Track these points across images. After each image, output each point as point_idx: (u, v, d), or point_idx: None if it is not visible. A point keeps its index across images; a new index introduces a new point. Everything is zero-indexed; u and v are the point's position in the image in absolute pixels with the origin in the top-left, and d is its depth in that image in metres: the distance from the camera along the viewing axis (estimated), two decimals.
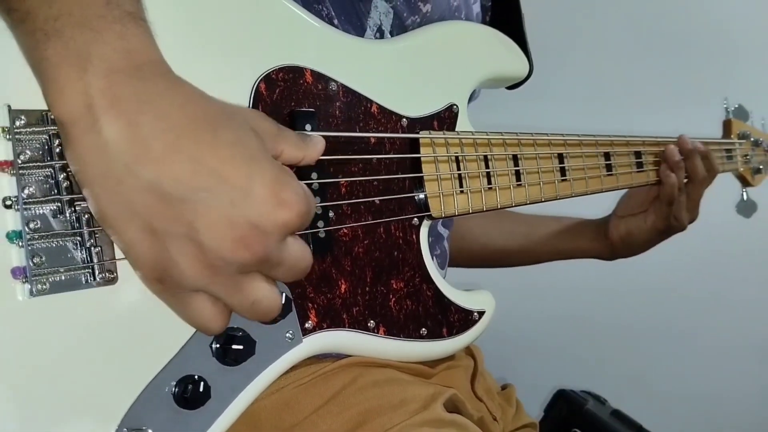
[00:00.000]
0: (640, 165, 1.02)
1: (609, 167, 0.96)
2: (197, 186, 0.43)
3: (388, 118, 0.72)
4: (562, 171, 0.88)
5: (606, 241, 1.12)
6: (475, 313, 0.77)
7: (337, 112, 0.67)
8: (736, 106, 1.33)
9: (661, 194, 1.05)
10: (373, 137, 0.70)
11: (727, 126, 1.30)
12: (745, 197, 1.31)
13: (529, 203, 0.85)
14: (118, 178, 0.42)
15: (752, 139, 1.30)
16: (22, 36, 0.44)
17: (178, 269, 0.44)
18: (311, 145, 0.57)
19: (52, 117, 0.49)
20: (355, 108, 0.69)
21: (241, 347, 0.55)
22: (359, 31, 0.77)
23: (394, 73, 0.74)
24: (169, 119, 0.43)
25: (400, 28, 0.82)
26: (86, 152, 0.43)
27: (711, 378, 1.95)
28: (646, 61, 1.88)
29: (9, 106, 0.48)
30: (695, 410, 1.94)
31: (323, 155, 0.65)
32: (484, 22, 1.00)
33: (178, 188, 0.42)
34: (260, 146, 0.47)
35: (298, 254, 0.50)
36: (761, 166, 1.31)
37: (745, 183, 1.31)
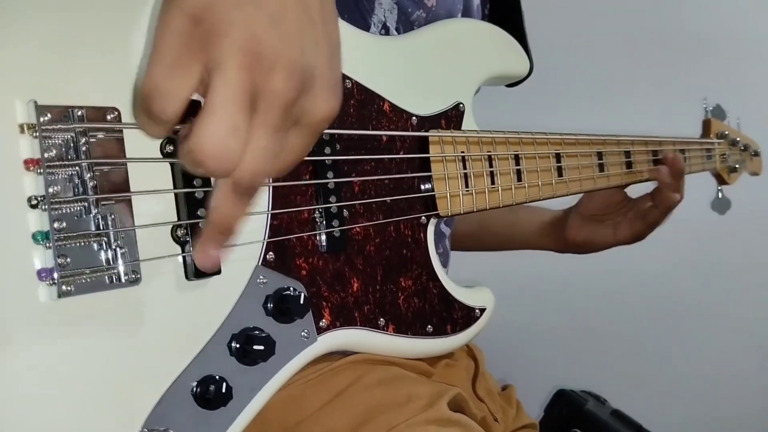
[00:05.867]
0: (629, 165, 1.04)
1: (601, 167, 0.98)
2: None
3: (399, 116, 0.72)
4: (559, 170, 0.90)
5: (560, 239, 1.08)
6: (477, 310, 0.78)
7: (351, 110, 0.67)
8: (714, 105, 1.36)
9: (650, 213, 1.01)
10: (386, 136, 0.70)
11: (706, 125, 1.33)
12: (720, 195, 1.35)
13: (528, 202, 0.86)
14: None
15: (729, 138, 1.34)
16: None
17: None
18: None
19: (78, 114, 0.48)
20: (368, 106, 0.69)
21: (262, 347, 0.55)
22: (363, 28, 0.76)
23: (404, 71, 0.74)
24: None
25: (405, 23, 0.81)
26: None
27: (711, 378, 1.95)
28: (632, 60, 1.89)
29: (35, 102, 0.46)
30: (695, 410, 1.94)
31: (338, 155, 0.65)
32: (483, 15, 1.00)
33: None
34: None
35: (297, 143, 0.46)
36: (737, 165, 1.35)
37: (721, 181, 1.35)
